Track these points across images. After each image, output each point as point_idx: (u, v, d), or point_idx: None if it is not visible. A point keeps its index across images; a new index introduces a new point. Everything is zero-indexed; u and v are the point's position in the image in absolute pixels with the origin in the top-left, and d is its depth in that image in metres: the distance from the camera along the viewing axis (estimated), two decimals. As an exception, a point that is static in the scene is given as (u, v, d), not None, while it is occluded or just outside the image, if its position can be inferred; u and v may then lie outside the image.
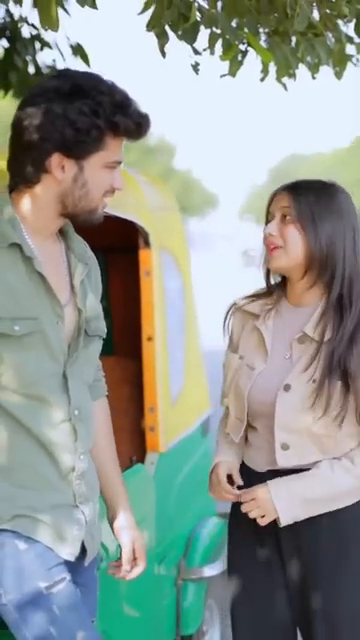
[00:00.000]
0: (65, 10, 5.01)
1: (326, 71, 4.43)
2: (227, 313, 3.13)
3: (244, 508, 2.91)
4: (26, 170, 2.57)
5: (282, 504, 2.86)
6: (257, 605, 3.02)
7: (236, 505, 3.06)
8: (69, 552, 2.64)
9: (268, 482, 2.89)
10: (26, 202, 2.61)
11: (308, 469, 2.89)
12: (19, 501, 2.60)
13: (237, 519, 3.06)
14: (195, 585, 4.03)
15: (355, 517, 2.94)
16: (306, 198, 2.89)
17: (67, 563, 2.67)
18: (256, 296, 3.10)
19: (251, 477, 3.00)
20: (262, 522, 2.90)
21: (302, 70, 4.38)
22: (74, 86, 2.52)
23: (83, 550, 2.72)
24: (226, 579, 3.16)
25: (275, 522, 2.90)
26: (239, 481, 3.00)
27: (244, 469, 3.06)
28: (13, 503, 2.60)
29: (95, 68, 5.77)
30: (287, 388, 2.88)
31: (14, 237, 2.55)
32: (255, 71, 4.14)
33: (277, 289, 3.05)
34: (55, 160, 2.53)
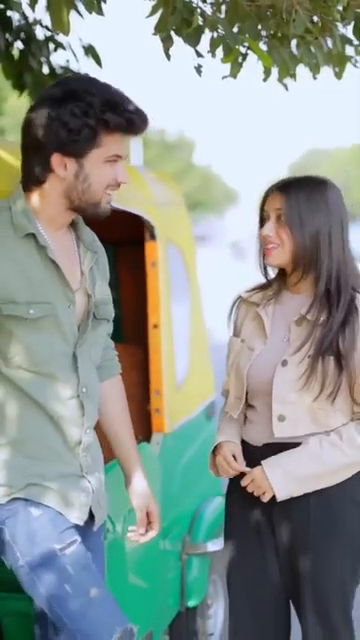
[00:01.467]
0: (78, 12, 5.15)
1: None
2: (233, 304, 3.34)
3: (248, 488, 3.12)
4: (34, 170, 2.80)
5: (277, 482, 3.05)
6: (249, 570, 3.21)
7: (233, 480, 3.26)
8: (77, 516, 2.83)
9: (262, 462, 3.08)
10: (37, 198, 2.82)
11: (300, 443, 3.08)
12: (30, 470, 2.79)
13: (233, 493, 3.26)
14: (199, 559, 4.20)
15: (341, 491, 3.11)
16: (297, 198, 3.07)
17: (77, 528, 2.86)
18: (259, 288, 3.30)
19: (248, 451, 3.19)
20: (264, 499, 3.10)
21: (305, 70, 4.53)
22: (67, 91, 2.76)
23: (91, 516, 2.91)
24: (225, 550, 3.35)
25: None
26: (242, 465, 3.18)
27: (242, 445, 3.24)
28: (24, 472, 2.78)
29: (107, 68, 5.91)
30: (284, 363, 3.08)
31: (29, 228, 2.76)
32: (260, 71, 4.31)
33: (277, 279, 3.25)
34: (56, 160, 2.75)
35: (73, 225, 2.96)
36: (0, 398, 2.80)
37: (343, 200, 3.17)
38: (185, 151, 68.16)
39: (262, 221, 3.18)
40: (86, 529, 2.93)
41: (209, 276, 24.59)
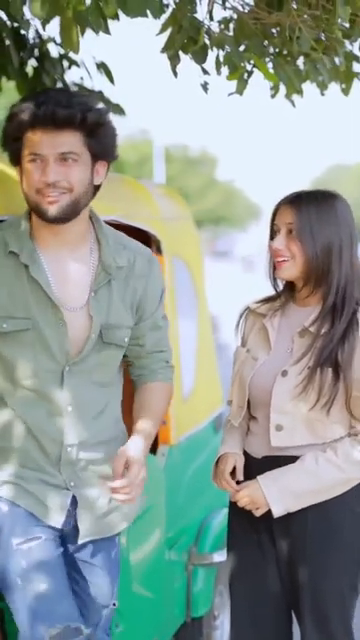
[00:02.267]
0: (93, 29, 5.19)
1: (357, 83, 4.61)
2: (240, 315, 3.38)
3: (240, 504, 3.15)
4: None
5: (273, 498, 3.08)
6: (251, 580, 3.25)
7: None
8: (55, 520, 2.85)
9: (257, 478, 3.12)
10: (34, 221, 2.90)
11: (298, 456, 3.12)
12: (9, 471, 2.84)
13: (236, 506, 3.28)
14: (205, 570, 4.23)
15: (339, 504, 3.14)
16: (307, 212, 3.10)
17: (68, 538, 2.91)
18: (266, 300, 3.35)
19: (249, 463, 3.23)
20: (257, 513, 3.14)
21: (334, 85, 4.58)
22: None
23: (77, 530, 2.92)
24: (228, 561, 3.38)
25: (269, 510, 3.13)
26: (240, 476, 3.22)
27: (244, 456, 3.28)
28: (3, 473, 2.84)
29: (125, 85, 5.96)
30: (284, 374, 3.11)
31: (13, 246, 2.80)
32: (269, 88, 4.37)
33: (284, 291, 3.29)
34: (18, 171, 2.85)
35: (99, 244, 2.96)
36: None
37: (352, 214, 3.21)
38: (208, 166, 68.13)
39: (273, 234, 3.22)
40: (74, 538, 2.96)
41: (230, 292, 24.59)
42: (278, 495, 3.08)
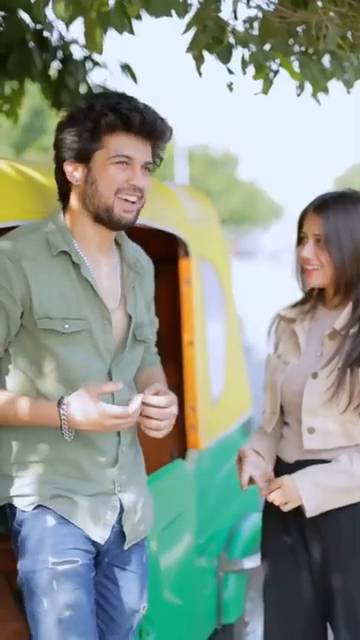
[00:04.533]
0: (117, 30, 5.17)
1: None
2: (272, 323, 3.36)
3: (270, 497, 3.09)
4: (60, 187, 2.88)
5: (306, 492, 3.03)
6: (284, 586, 3.21)
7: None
8: (100, 535, 2.84)
9: (293, 474, 3.08)
10: (69, 216, 2.87)
11: (330, 460, 3.08)
12: (59, 484, 2.81)
13: (269, 511, 3.26)
14: (236, 576, 4.20)
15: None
16: (334, 220, 3.08)
17: (108, 550, 2.89)
18: (296, 304, 3.32)
19: (281, 468, 3.19)
20: (286, 508, 3.08)
21: (358, 83, 4.54)
22: (76, 104, 2.86)
23: (123, 535, 2.93)
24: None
25: (301, 514, 3.08)
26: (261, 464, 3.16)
27: (276, 462, 3.25)
28: (55, 485, 2.81)
29: (146, 85, 5.94)
30: (315, 376, 3.09)
31: (63, 246, 2.79)
32: (291, 88, 4.33)
33: (314, 296, 3.27)
34: (68, 168, 2.81)
35: (118, 245, 2.99)
36: None
37: None
38: (230, 167, 68.25)
39: (300, 240, 3.20)
40: (118, 549, 2.95)
41: (254, 292, 24.57)
42: (312, 490, 3.04)
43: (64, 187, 2.87)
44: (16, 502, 2.84)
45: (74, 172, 2.81)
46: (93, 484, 2.87)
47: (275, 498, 3.08)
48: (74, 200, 2.85)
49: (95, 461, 2.87)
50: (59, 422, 2.72)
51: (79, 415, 2.70)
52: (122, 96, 2.84)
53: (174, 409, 2.84)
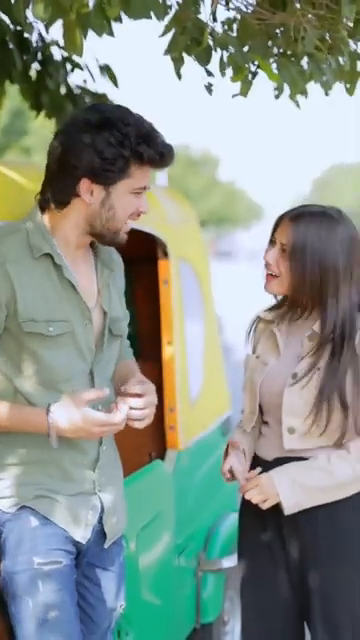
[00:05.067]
0: (96, 32, 5.17)
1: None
2: (251, 325, 3.36)
3: (247, 495, 3.10)
4: (58, 193, 2.82)
5: (284, 490, 3.04)
6: (261, 585, 3.22)
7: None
8: (82, 535, 2.85)
9: (270, 471, 3.09)
10: (57, 220, 2.84)
11: (308, 458, 3.09)
12: (42, 485, 2.82)
13: (246, 509, 3.26)
14: (214, 576, 4.21)
15: (350, 507, 3.11)
16: (304, 236, 3.02)
17: (88, 550, 2.89)
18: (274, 306, 3.31)
19: (259, 465, 3.19)
20: (264, 506, 3.09)
21: (337, 85, 4.55)
22: (103, 118, 2.75)
23: (103, 534, 2.94)
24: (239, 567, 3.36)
25: (279, 511, 3.10)
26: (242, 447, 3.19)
27: (254, 459, 3.26)
28: (37, 486, 2.81)
29: (126, 86, 5.93)
30: (294, 376, 3.09)
31: (45, 248, 2.78)
32: (271, 89, 4.34)
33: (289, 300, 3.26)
34: (84, 185, 2.76)
35: (92, 243, 2.99)
36: None
37: (358, 235, 3.11)
38: (210, 167, 68.31)
39: (271, 242, 3.17)
40: (98, 548, 2.96)
41: (233, 292, 24.59)
42: (290, 488, 3.05)
43: (67, 197, 2.81)
44: None
45: (89, 191, 2.78)
46: (74, 484, 2.87)
47: (253, 496, 3.10)
48: (75, 212, 2.82)
49: (76, 461, 2.88)
50: (46, 429, 2.73)
51: (64, 422, 2.71)
52: (150, 126, 2.81)
53: (154, 398, 2.87)
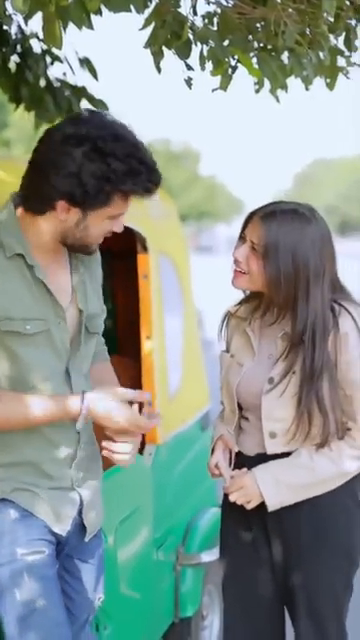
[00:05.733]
0: (76, 24, 5.14)
1: (342, 78, 4.58)
2: (222, 320, 3.34)
3: (232, 497, 3.10)
4: (34, 201, 2.76)
5: (268, 490, 3.05)
6: (245, 582, 3.23)
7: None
8: (62, 528, 2.84)
9: (253, 469, 3.08)
10: (29, 224, 2.80)
11: (290, 453, 3.09)
12: (21, 479, 2.81)
13: (228, 504, 3.25)
14: (193, 570, 4.22)
15: (333, 502, 3.13)
16: (276, 235, 2.98)
17: (67, 542, 2.88)
18: (245, 301, 3.28)
19: (241, 460, 3.20)
20: (249, 507, 3.10)
21: (318, 80, 4.55)
22: (94, 146, 2.65)
23: (83, 528, 2.94)
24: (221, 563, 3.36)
25: (262, 507, 3.10)
26: (234, 448, 3.18)
27: (235, 454, 3.24)
28: (16, 480, 2.81)
29: (107, 79, 5.92)
30: (271, 381, 3.08)
31: (17, 248, 2.75)
32: (251, 84, 4.33)
33: (260, 294, 3.22)
34: (62, 206, 2.70)
35: None
36: None
37: (329, 234, 3.09)
38: (190, 161, 68.25)
39: (240, 238, 3.13)
40: (78, 541, 2.96)
41: (214, 287, 24.56)
42: (273, 487, 3.05)
43: (43, 207, 2.75)
44: None
45: (66, 212, 2.72)
46: (53, 481, 2.87)
47: (237, 498, 3.10)
48: (48, 223, 2.78)
49: (55, 459, 2.87)
50: (77, 411, 2.76)
51: (101, 411, 2.76)
52: (142, 158, 2.71)
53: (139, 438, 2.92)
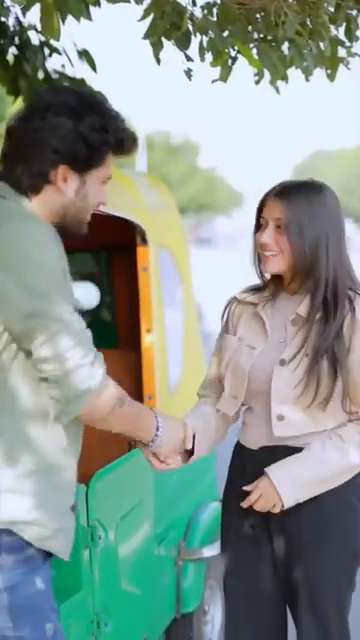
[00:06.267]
0: (74, 16, 5.13)
1: (343, 69, 4.56)
2: (227, 305, 3.32)
3: (257, 507, 3.07)
4: (27, 180, 2.59)
5: (285, 490, 3.02)
6: (246, 578, 3.20)
7: (229, 486, 3.27)
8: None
9: (266, 470, 3.05)
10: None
11: (300, 448, 3.07)
12: (63, 504, 2.63)
13: (229, 501, 3.25)
14: (195, 565, 4.19)
15: (336, 498, 3.10)
16: (297, 206, 3.03)
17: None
18: (254, 289, 3.28)
19: (244, 454, 3.19)
20: (275, 511, 3.06)
21: (318, 71, 4.53)
22: (82, 101, 2.59)
23: None
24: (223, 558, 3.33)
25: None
26: (188, 445, 3.08)
27: (238, 449, 3.24)
28: (59, 507, 2.60)
29: (105, 72, 5.89)
30: (282, 363, 3.06)
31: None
32: (251, 75, 4.31)
33: (272, 282, 3.23)
34: (60, 172, 2.58)
35: None
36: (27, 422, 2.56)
37: (339, 205, 3.15)
38: (190, 154, 68.23)
39: (259, 226, 3.15)
40: None
41: (214, 279, 24.57)
42: (290, 488, 3.03)
43: (38, 184, 2.60)
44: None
45: (64, 181, 2.61)
46: (71, 496, 2.71)
47: (262, 507, 3.08)
48: (44, 201, 2.62)
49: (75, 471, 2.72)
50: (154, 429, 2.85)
51: (166, 439, 2.89)
52: (117, 114, 2.66)
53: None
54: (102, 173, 2.67)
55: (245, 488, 3.10)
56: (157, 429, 2.84)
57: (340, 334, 3.02)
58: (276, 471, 3.05)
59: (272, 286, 3.23)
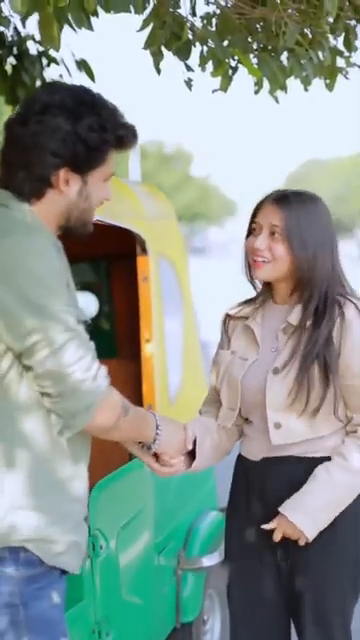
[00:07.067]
0: (72, 27, 5.13)
1: (342, 78, 4.58)
2: (222, 323, 3.33)
3: (274, 538, 3.09)
4: (29, 185, 2.57)
5: (304, 524, 3.02)
6: (249, 586, 3.20)
7: (233, 495, 3.27)
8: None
9: (280, 510, 3.05)
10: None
11: (300, 458, 3.08)
12: (76, 517, 2.59)
13: (233, 511, 3.25)
14: (194, 575, 4.18)
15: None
16: (296, 215, 3.03)
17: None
18: (244, 303, 3.29)
19: (247, 466, 3.19)
20: (300, 543, 3.06)
21: (317, 81, 4.54)
22: (78, 100, 2.55)
23: None
24: (225, 568, 3.32)
25: (267, 512, 3.09)
26: (189, 445, 3.11)
27: (241, 460, 3.24)
28: (73, 520, 2.58)
29: (102, 81, 5.90)
30: (276, 371, 3.06)
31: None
32: (251, 84, 4.32)
33: (263, 291, 3.24)
34: (62, 175, 2.55)
35: None
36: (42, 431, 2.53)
37: (331, 215, 3.17)
38: (183, 163, 68.29)
39: (251, 231, 3.13)
40: None
41: (208, 288, 24.59)
42: (308, 520, 3.02)
43: (41, 188, 2.57)
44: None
45: (66, 183, 2.59)
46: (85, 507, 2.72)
47: (279, 537, 3.09)
48: (48, 205, 2.59)
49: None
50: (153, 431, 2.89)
51: (166, 438, 2.92)
52: (114, 108, 2.63)
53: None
54: (104, 171, 2.64)
55: (264, 527, 3.09)
56: (157, 427, 2.85)
57: (330, 339, 3.02)
58: (291, 509, 3.04)
59: (261, 297, 3.23)
